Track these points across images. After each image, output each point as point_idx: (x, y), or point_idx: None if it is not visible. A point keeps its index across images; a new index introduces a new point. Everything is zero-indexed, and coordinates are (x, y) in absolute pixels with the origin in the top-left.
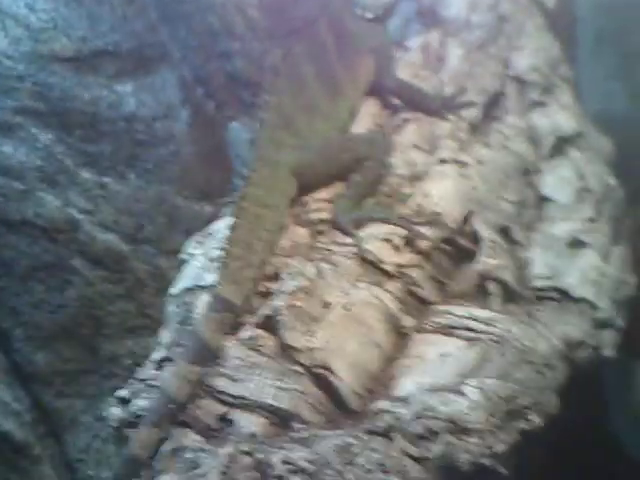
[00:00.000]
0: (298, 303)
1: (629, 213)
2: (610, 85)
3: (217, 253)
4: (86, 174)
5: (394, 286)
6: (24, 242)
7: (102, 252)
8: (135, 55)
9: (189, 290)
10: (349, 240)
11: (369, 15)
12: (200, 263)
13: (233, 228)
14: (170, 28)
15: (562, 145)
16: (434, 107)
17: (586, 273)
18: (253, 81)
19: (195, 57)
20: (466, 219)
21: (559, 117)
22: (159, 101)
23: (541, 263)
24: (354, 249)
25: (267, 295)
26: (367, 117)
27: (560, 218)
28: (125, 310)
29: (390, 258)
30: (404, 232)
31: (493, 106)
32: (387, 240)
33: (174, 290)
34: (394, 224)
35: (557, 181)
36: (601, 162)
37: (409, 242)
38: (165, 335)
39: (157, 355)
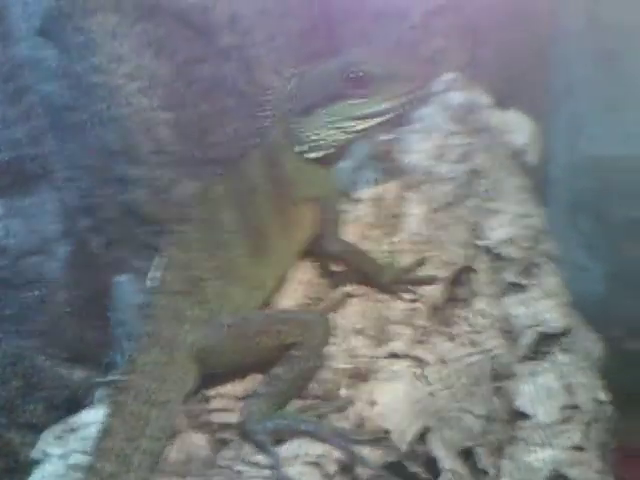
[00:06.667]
0: None
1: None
2: (587, 261)
3: (80, 459)
4: None
5: None
6: None
7: None
8: (11, 170)
9: None
10: (262, 459)
11: (314, 155)
12: (55, 469)
13: (105, 433)
14: (57, 140)
15: (544, 344)
16: (385, 281)
17: None
18: (154, 217)
19: (84, 180)
20: (421, 438)
21: (541, 306)
22: (32, 231)
23: None
24: (269, 473)
25: None
26: (299, 286)
27: (538, 442)
28: None
29: None
30: (339, 454)
31: (459, 285)
32: (316, 464)
33: None
34: (326, 442)
35: (536, 391)
36: (591, 369)
37: (346, 468)
38: None
39: None
